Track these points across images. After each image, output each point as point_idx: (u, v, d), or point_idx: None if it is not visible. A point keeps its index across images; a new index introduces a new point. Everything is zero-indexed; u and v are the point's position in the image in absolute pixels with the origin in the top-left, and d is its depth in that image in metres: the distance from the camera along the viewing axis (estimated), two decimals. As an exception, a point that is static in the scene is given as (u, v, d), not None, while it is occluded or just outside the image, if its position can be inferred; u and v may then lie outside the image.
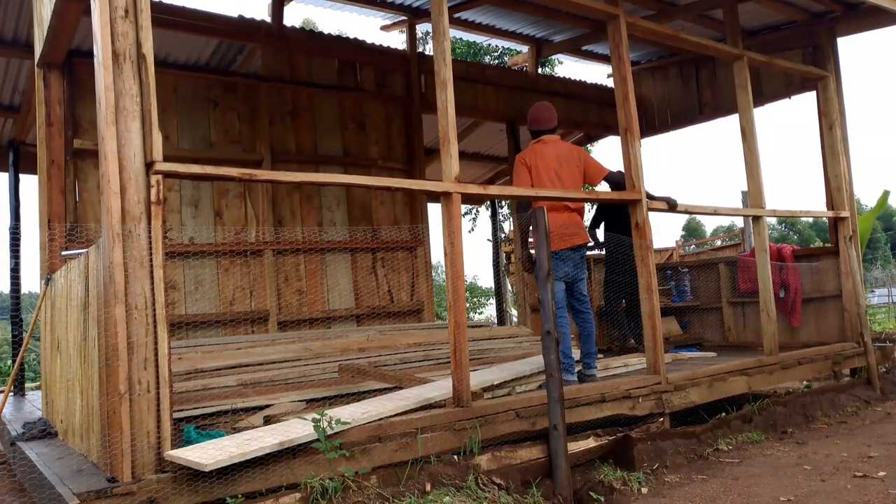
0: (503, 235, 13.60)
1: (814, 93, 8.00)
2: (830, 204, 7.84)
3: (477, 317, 23.58)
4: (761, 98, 8.83)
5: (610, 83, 10.34)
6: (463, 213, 16.38)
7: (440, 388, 4.76)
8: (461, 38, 13.26)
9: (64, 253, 5.16)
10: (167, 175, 3.52)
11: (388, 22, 8.93)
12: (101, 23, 3.43)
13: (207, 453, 3.28)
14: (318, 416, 3.70)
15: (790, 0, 7.59)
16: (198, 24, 6.96)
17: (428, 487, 3.80)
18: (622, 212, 6.66)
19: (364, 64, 8.29)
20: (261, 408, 4.80)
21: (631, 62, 6.23)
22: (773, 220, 44.61)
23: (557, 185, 5.55)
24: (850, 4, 7.50)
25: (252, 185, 7.24)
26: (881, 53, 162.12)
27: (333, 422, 3.72)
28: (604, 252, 7.81)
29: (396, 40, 15.82)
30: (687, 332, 9.22)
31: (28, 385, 8.82)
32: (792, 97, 8.89)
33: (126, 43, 3.45)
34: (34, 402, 6.72)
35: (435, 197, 5.54)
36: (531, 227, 5.75)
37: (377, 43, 8.48)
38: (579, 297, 5.61)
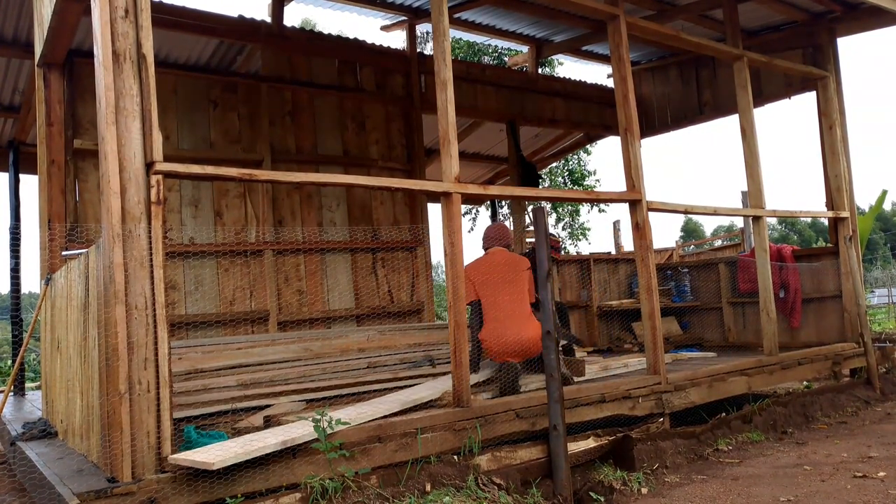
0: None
1: (814, 93, 8.00)
2: (830, 204, 7.84)
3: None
4: (761, 98, 8.83)
5: (610, 83, 10.35)
6: (463, 213, 16.40)
7: (430, 387, 4.79)
8: (461, 39, 13.27)
9: (64, 253, 5.16)
10: (167, 175, 3.52)
11: (388, 22, 8.93)
12: (102, 23, 3.43)
13: (212, 455, 3.29)
14: (317, 416, 3.70)
15: (790, 0, 7.59)
16: (198, 24, 6.96)
17: (428, 487, 3.80)
18: None
19: (364, 64, 8.28)
20: (261, 408, 4.80)
21: (631, 62, 6.23)
22: (772, 220, 44.63)
23: (505, 288, 5.22)
24: (850, 4, 7.51)
25: (252, 185, 7.23)
26: (882, 53, 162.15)
27: (333, 422, 3.72)
28: None
29: (396, 40, 15.81)
30: (687, 332, 9.22)
31: (28, 385, 8.82)
32: (792, 97, 8.89)
33: (126, 43, 3.46)
34: (34, 402, 6.72)
35: (435, 197, 5.54)
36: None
37: (377, 43, 8.48)
38: None
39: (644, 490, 4.35)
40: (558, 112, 10.14)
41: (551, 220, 19.13)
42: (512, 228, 9.95)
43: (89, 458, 3.85)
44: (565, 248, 18.99)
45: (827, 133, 7.85)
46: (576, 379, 5.44)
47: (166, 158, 3.53)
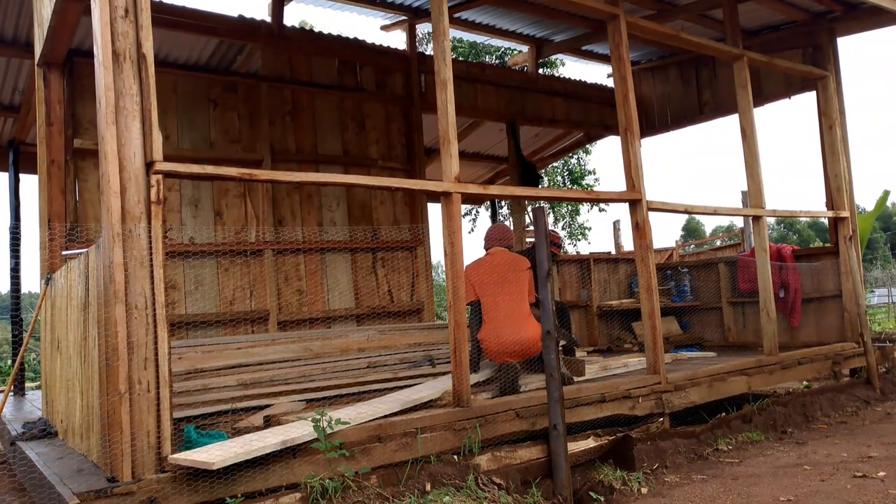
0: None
1: (814, 93, 8.00)
2: (830, 204, 7.84)
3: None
4: (761, 98, 8.83)
5: (610, 83, 10.34)
6: (463, 213, 16.38)
7: (430, 387, 4.79)
8: (462, 38, 13.26)
9: (64, 253, 5.15)
10: (167, 175, 3.52)
11: (388, 22, 8.93)
12: (102, 22, 3.43)
13: (212, 454, 3.29)
14: (317, 416, 3.70)
15: (790, 0, 7.59)
16: (198, 23, 6.96)
17: (428, 487, 3.80)
18: None
19: (364, 64, 8.28)
20: (261, 408, 4.80)
21: (631, 62, 6.23)
22: (771, 220, 44.62)
23: (504, 288, 5.22)
24: (850, 4, 7.50)
25: (252, 184, 7.23)
26: (882, 53, 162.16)
27: (333, 422, 3.72)
28: None
29: (396, 40, 15.82)
30: (687, 332, 9.22)
31: (28, 385, 8.82)
32: (792, 97, 8.89)
33: (126, 43, 3.46)
34: (34, 402, 6.72)
35: (435, 197, 5.54)
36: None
37: (377, 43, 8.48)
38: None
39: (644, 490, 4.35)
40: (558, 112, 10.14)
41: (550, 220, 19.13)
42: (512, 228, 9.96)
43: (89, 458, 3.85)
44: (565, 248, 19.00)
45: (827, 133, 7.85)
46: (576, 379, 5.44)
47: (166, 158, 3.53)
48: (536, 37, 9.58)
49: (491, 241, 5.57)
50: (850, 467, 4.64)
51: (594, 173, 18.89)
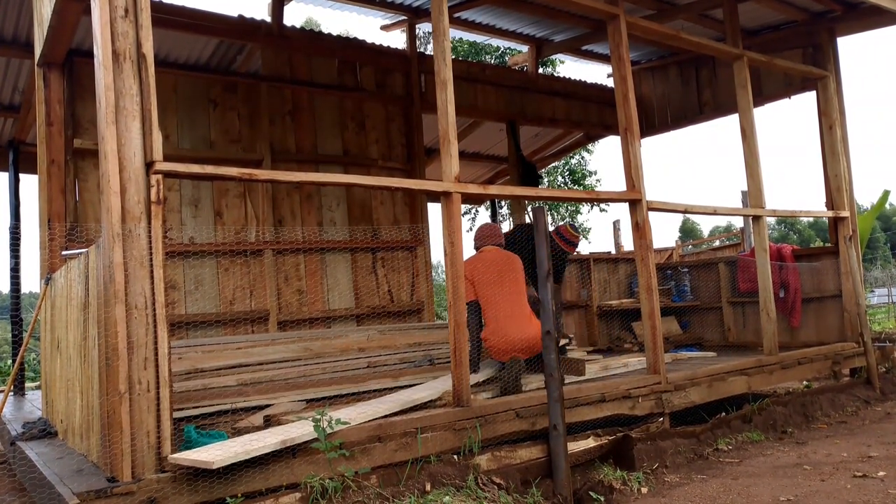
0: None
1: (814, 92, 8.00)
2: (830, 204, 7.84)
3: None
4: (761, 98, 8.83)
5: (610, 83, 10.34)
6: (463, 212, 16.39)
7: (430, 387, 4.79)
8: (462, 38, 13.27)
9: (64, 253, 5.15)
10: (167, 175, 3.52)
11: (388, 22, 8.93)
12: (101, 22, 3.43)
13: (212, 454, 3.29)
14: (317, 416, 3.70)
15: (790, 0, 7.59)
16: (198, 23, 6.96)
17: (428, 487, 3.80)
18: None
19: (364, 64, 8.28)
20: (261, 407, 4.80)
21: (631, 62, 6.23)
22: (772, 220, 44.62)
23: (504, 287, 5.27)
24: (850, 4, 7.51)
25: (252, 184, 7.23)
26: (882, 53, 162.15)
27: (333, 421, 3.72)
28: None
29: (397, 40, 15.82)
30: (687, 332, 9.22)
31: (28, 385, 8.82)
32: (792, 97, 8.90)
33: (126, 42, 3.46)
34: (34, 402, 6.72)
35: (435, 197, 5.54)
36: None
37: (377, 43, 8.48)
38: None
39: (644, 490, 4.35)
40: (558, 112, 10.14)
41: (548, 219, 19.09)
42: (513, 228, 9.95)
43: (89, 458, 3.85)
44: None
45: (827, 133, 7.85)
46: (572, 378, 5.43)
47: (166, 158, 3.53)
48: (536, 37, 9.58)
49: (483, 240, 5.60)
50: (850, 467, 4.64)
51: (595, 174, 18.90)
